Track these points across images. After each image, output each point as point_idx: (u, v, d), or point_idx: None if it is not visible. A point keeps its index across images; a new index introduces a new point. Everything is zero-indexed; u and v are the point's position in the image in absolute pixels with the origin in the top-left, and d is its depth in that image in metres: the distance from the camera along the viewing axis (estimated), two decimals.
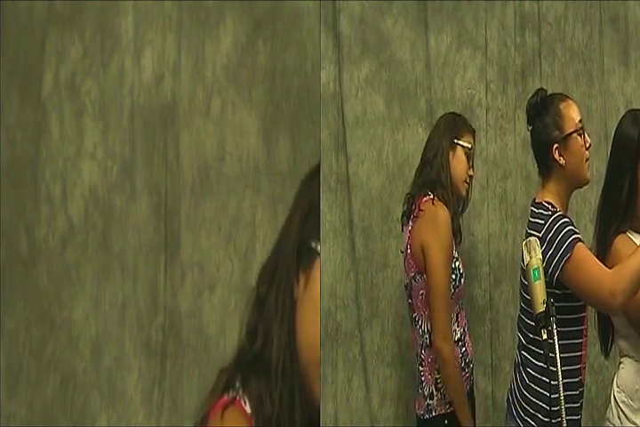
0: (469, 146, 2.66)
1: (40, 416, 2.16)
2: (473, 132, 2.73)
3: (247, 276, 2.66)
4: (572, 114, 2.37)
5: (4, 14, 2.18)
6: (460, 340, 2.51)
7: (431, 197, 2.53)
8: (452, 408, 2.45)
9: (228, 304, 2.60)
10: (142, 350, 2.34)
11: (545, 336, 1.87)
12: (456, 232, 2.60)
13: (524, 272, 2.19)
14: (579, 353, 2.31)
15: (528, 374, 2.34)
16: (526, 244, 2.12)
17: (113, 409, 2.29)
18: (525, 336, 2.34)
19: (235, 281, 2.62)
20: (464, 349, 2.53)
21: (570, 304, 2.26)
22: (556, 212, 2.30)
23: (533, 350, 2.31)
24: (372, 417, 3.02)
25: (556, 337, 1.82)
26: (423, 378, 2.49)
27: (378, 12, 3.08)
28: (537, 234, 2.25)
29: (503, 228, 3.27)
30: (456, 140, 2.63)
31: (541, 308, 1.94)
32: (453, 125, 2.67)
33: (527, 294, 2.22)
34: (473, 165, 2.70)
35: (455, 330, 2.49)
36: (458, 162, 2.63)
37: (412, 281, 2.51)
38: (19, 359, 2.13)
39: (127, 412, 2.31)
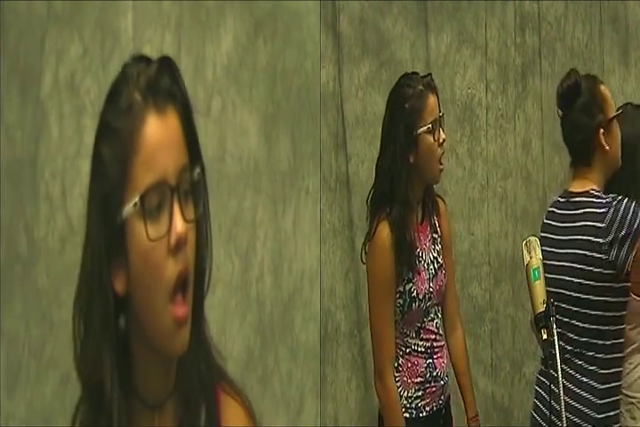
0: (435, 117, 2.22)
1: (39, 416, 2.16)
2: (433, 90, 2.25)
3: (247, 276, 2.66)
4: (610, 98, 2.24)
5: (4, 14, 2.17)
6: (425, 352, 2.33)
7: (380, 215, 2.24)
8: (407, 414, 2.35)
9: (228, 304, 2.60)
10: None
11: (545, 336, 1.87)
12: (408, 252, 2.24)
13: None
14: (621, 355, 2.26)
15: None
16: (526, 244, 2.10)
17: None
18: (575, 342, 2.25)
19: (235, 281, 2.62)
20: (430, 360, 2.33)
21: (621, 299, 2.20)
22: (617, 197, 2.16)
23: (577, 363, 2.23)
24: (372, 417, 3.02)
25: (555, 337, 1.82)
26: None
27: (378, 12, 3.08)
28: (599, 225, 2.14)
29: (503, 228, 3.27)
30: (417, 132, 2.21)
31: (541, 308, 1.93)
32: (407, 112, 2.21)
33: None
34: (443, 128, 2.26)
35: (417, 343, 2.32)
36: (425, 152, 2.22)
37: None
38: (18, 359, 2.13)
39: None
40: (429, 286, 2.31)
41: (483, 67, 3.25)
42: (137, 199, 0.99)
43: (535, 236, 2.21)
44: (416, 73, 2.32)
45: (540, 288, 1.97)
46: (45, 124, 2.20)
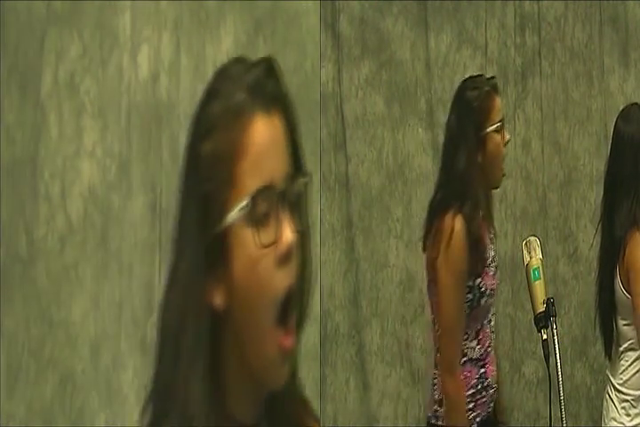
0: (501, 118, 2.28)
1: (39, 416, 2.16)
2: (498, 93, 2.31)
3: None
4: None
5: (4, 13, 2.17)
6: (479, 359, 2.26)
7: (452, 211, 2.20)
8: None
9: None
10: (138, 348, 2.34)
11: (545, 336, 1.87)
12: (479, 247, 2.23)
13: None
14: None
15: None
16: (526, 244, 2.11)
17: (111, 409, 2.29)
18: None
19: None
20: (483, 369, 2.26)
21: None
22: None
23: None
24: (371, 418, 3.02)
25: (556, 337, 1.82)
26: (436, 381, 2.28)
27: (378, 12, 3.08)
28: None
29: (503, 228, 3.27)
30: (486, 131, 2.24)
31: (541, 308, 1.94)
32: (476, 112, 2.24)
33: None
34: (505, 128, 2.33)
35: (474, 348, 2.25)
36: (492, 152, 2.27)
37: (430, 284, 2.31)
38: (17, 359, 2.13)
39: (124, 411, 2.30)
40: (492, 283, 2.28)
41: (483, 67, 3.24)
42: (245, 202, 0.89)
43: (535, 236, 2.21)
44: (480, 75, 2.37)
45: (539, 288, 1.97)
46: (45, 124, 2.20)
